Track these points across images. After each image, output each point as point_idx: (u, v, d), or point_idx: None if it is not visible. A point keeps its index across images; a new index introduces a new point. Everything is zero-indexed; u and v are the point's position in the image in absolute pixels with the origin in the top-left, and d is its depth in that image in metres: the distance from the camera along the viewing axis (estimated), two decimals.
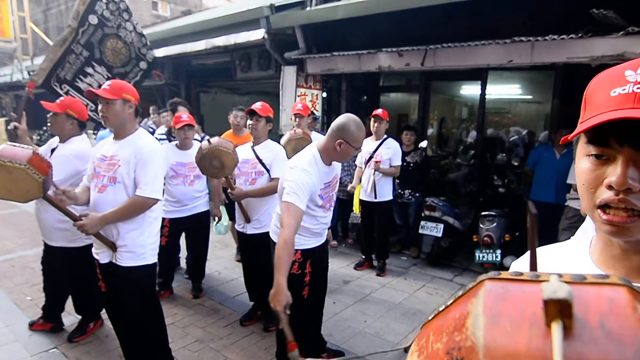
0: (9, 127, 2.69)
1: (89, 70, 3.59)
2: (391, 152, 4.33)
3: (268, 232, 3.04)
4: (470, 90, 7.58)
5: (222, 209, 4.52)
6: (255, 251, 3.16)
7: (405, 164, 4.61)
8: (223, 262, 4.68)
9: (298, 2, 5.68)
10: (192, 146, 3.61)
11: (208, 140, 2.82)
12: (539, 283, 0.35)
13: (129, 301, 2.35)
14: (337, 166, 2.47)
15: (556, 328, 0.31)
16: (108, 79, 3.58)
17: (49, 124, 2.88)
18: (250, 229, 3.11)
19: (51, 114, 2.82)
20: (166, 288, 3.78)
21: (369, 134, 4.42)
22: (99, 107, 2.30)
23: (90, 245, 2.49)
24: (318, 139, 4.13)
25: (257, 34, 5.33)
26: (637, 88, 0.57)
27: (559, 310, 0.31)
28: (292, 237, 2.06)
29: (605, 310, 0.33)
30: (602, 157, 0.60)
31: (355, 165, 4.56)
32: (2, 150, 2.04)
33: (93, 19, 3.54)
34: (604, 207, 0.60)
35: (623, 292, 0.34)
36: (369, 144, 4.38)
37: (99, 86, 3.02)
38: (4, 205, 6.16)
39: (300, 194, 2.13)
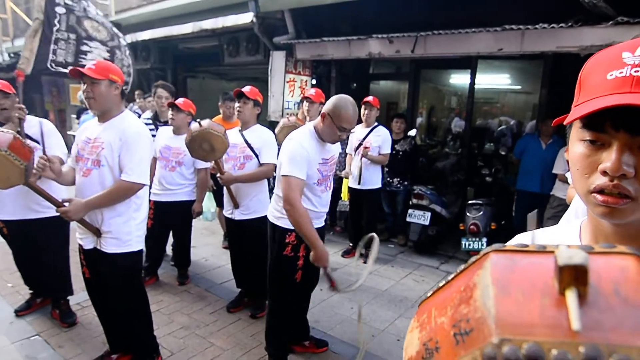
0: (16, 115, 2.56)
1: (86, 48, 3.54)
2: (380, 140, 4.32)
3: (257, 218, 3.05)
4: (460, 79, 7.59)
5: (209, 195, 4.47)
6: (243, 237, 3.14)
7: (394, 152, 4.60)
8: (210, 249, 4.65)
9: None
10: (182, 133, 3.52)
11: (199, 123, 2.77)
12: (547, 254, 0.35)
13: (114, 287, 2.31)
14: (335, 146, 2.45)
15: (571, 295, 0.30)
16: (109, 52, 3.54)
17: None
18: (238, 215, 3.08)
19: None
20: (152, 274, 3.74)
21: (359, 121, 4.41)
22: (83, 87, 2.21)
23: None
24: None
25: (246, 18, 5.22)
26: (635, 71, 0.56)
27: (574, 277, 0.31)
28: (301, 208, 2.15)
29: (617, 277, 0.32)
30: (596, 143, 0.59)
31: (347, 154, 4.54)
32: None
33: (60, 9, 3.49)
34: (599, 192, 0.59)
35: (632, 260, 0.34)
36: (359, 131, 4.36)
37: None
38: None
39: (298, 164, 2.17)
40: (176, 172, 3.52)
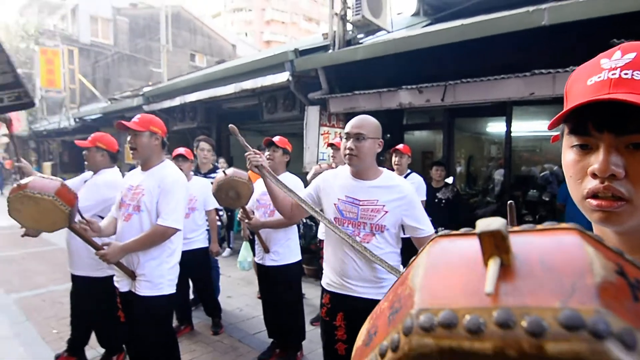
0: (18, 164, 2.77)
1: None
2: (414, 187, 4.28)
3: (287, 265, 3.05)
4: (496, 127, 7.51)
5: (246, 245, 4.56)
6: (273, 284, 3.13)
7: (437, 200, 4.53)
8: (245, 299, 4.64)
9: (321, 46, 5.96)
10: (190, 179, 3.66)
11: (224, 172, 2.90)
12: None
13: (144, 331, 2.35)
14: (379, 191, 1.96)
15: (492, 263, 0.31)
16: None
17: (85, 163, 3.05)
18: (268, 261, 3.09)
19: (85, 150, 3.00)
20: (186, 324, 3.76)
21: (390, 169, 4.43)
22: (128, 138, 2.43)
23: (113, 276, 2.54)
24: None
25: (282, 77, 5.59)
26: (612, 74, 0.57)
27: (494, 244, 0.31)
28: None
29: (549, 248, 0.32)
30: (586, 147, 0.60)
31: None
32: (32, 182, 2.17)
33: None
34: (593, 196, 0.58)
35: (573, 234, 0.33)
36: None
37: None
38: (41, 243, 6.43)
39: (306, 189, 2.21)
40: (190, 219, 3.58)
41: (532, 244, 0.33)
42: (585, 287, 0.28)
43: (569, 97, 0.64)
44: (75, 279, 3.05)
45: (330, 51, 5.55)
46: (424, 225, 2.01)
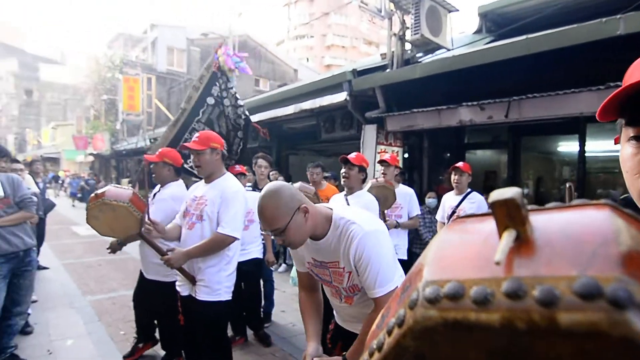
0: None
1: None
2: (475, 207, 4.09)
3: None
4: (568, 146, 7.01)
5: None
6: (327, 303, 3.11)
7: None
8: (298, 314, 4.62)
9: (379, 66, 6.01)
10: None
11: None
12: None
13: (201, 335, 2.45)
14: (329, 250, 1.56)
15: (506, 234, 0.29)
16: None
17: (153, 175, 3.30)
18: None
19: (152, 164, 3.24)
20: (241, 334, 3.85)
21: (450, 188, 4.28)
22: (192, 157, 2.61)
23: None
24: (405, 191, 4.05)
25: (340, 97, 5.69)
26: None
27: (508, 215, 0.29)
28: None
29: (573, 220, 0.30)
30: None
31: (436, 220, 4.38)
32: (107, 190, 2.39)
33: (210, 100, 4.07)
34: None
35: (604, 208, 0.31)
36: (451, 198, 4.20)
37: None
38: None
39: None
40: (248, 231, 3.70)
41: (555, 218, 0.31)
42: (607, 255, 0.26)
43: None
44: (144, 280, 3.25)
45: (388, 70, 5.57)
46: (377, 286, 1.47)
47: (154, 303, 3.21)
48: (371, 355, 0.34)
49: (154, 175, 3.25)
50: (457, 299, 0.27)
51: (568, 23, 4.52)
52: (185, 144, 2.60)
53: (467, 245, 0.31)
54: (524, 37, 4.10)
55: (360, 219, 1.52)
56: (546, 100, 3.81)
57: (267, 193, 1.46)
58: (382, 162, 4.00)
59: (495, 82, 4.46)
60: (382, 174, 3.94)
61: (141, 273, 3.32)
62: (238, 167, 3.94)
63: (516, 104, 4.07)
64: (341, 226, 1.51)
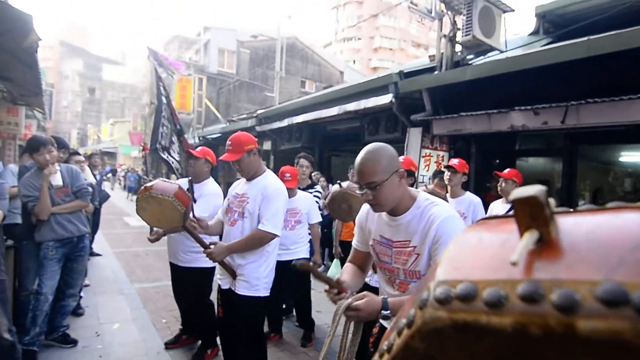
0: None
1: (174, 139, 4.12)
2: None
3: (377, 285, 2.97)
4: (632, 156, 6.52)
5: (337, 262, 4.59)
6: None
7: None
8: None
9: (427, 68, 5.87)
10: (295, 194, 3.78)
11: (339, 184, 2.97)
12: None
13: (238, 328, 2.50)
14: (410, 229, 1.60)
15: (527, 234, 0.26)
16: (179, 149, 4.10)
17: (190, 168, 3.37)
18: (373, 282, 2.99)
19: (193, 158, 3.33)
20: (276, 332, 3.89)
21: (498, 196, 4.10)
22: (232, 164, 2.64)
23: (211, 268, 2.77)
24: (469, 199, 3.82)
25: (385, 99, 5.61)
26: None
27: (530, 214, 0.27)
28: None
29: (602, 223, 0.27)
30: None
31: None
32: (155, 184, 2.50)
33: (164, 99, 4.22)
34: None
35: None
36: (498, 207, 4.02)
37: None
38: (162, 242, 7.28)
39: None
40: (295, 231, 3.76)
41: (585, 221, 0.28)
42: (637, 260, 0.23)
43: None
44: (176, 268, 3.38)
45: (436, 72, 5.43)
46: None
47: (189, 291, 3.32)
48: (381, 356, 0.33)
49: (191, 169, 3.32)
50: (468, 300, 0.26)
51: (633, 24, 4.19)
52: (221, 157, 2.62)
53: (484, 246, 0.30)
54: (585, 38, 3.84)
55: (443, 204, 1.60)
56: (608, 105, 3.55)
57: (371, 148, 1.54)
58: (448, 167, 3.75)
59: (552, 86, 4.22)
60: (448, 179, 3.69)
61: (172, 267, 3.43)
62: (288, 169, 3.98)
63: (574, 109, 3.82)
64: (424, 206, 1.57)
